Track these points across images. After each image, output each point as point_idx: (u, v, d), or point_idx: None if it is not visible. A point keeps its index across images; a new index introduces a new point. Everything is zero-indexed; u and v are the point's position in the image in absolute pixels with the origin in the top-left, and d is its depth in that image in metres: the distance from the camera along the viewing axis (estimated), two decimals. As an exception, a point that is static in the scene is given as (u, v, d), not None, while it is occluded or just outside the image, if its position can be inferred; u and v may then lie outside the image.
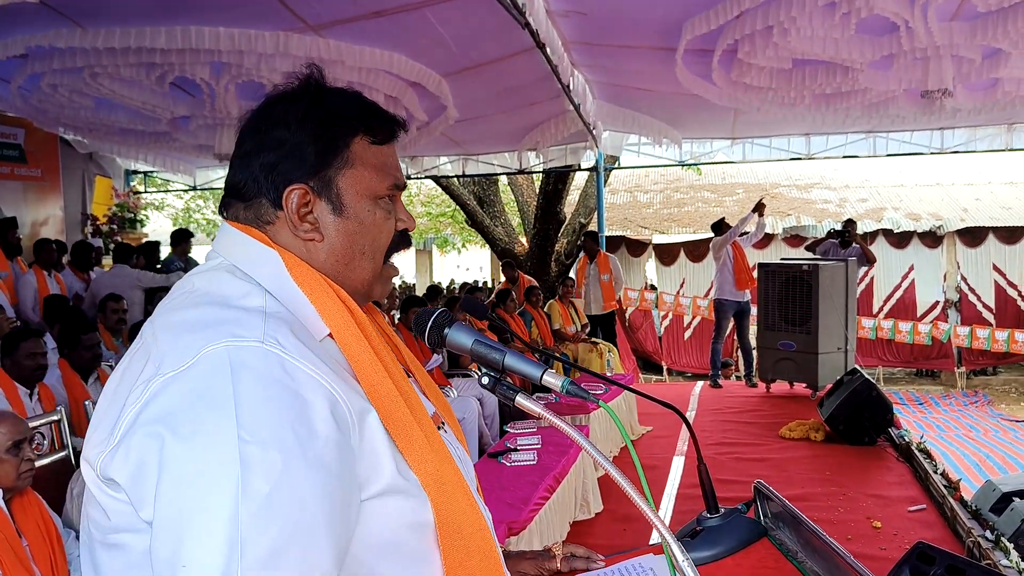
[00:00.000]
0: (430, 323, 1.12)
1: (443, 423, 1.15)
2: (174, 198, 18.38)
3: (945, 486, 4.88)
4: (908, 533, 4.37)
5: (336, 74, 6.35)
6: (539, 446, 4.57)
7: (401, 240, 1.13)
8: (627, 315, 13.75)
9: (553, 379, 1.07)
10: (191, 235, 8.86)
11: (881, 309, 13.88)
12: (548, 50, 6.24)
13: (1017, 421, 11.33)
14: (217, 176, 11.56)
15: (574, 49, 7.12)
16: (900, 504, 4.84)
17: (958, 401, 12.79)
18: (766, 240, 14.05)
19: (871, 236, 13.80)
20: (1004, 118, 8.77)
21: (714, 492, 1.44)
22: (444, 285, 15.47)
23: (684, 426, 6.69)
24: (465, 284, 12.34)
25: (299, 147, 1.05)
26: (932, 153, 9.92)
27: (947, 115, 8.00)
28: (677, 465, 5.81)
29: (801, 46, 6.05)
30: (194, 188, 12.02)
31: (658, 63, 7.12)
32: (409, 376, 1.14)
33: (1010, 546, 3.89)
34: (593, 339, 8.85)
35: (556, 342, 8.47)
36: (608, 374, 7.02)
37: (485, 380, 1.10)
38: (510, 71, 7.18)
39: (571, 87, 7.58)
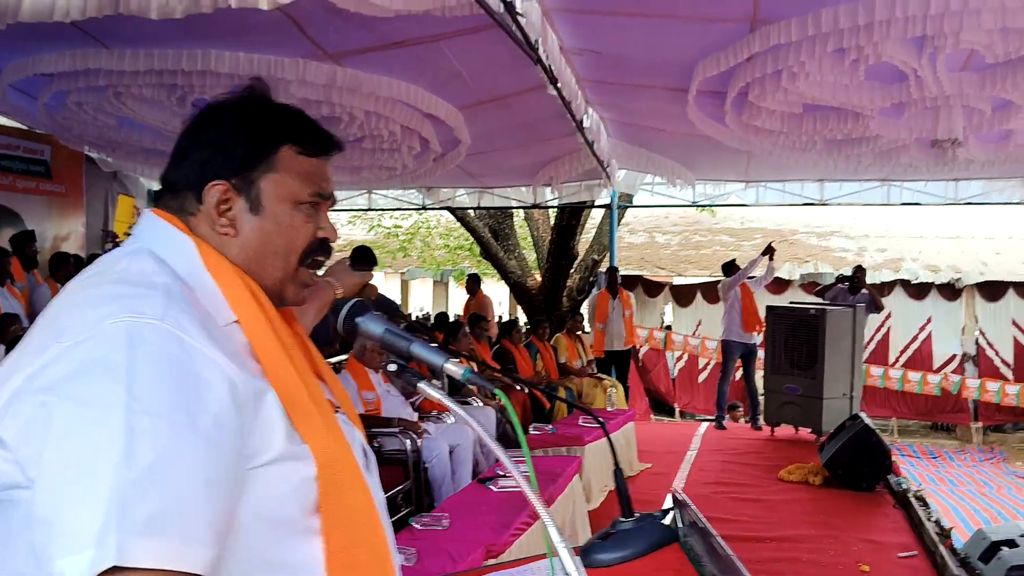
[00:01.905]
0: (344, 311, 1.18)
1: (338, 408, 1.20)
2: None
3: (937, 533, 4.85)
4: (896, 579, 4.35)
5: (352, 103, 6.50)
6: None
7: (320, 248, 1.19)
8: (640, 355, 13.73)
9: (455, 368, 1.13)
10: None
11: (897, 360, 13.76)
12: (560, 86, 6.34)
13: (1031, 479, 11.17)
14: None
15: (588, 87, 7.23)
16: (891, 550, 4.81)
17: (972, 456, 12.61)
18: (783, 286, 14.02)
19: (889, 286, 13.73)
20: (1019, 171, 8.76)
21: (628, 497, 1.47)
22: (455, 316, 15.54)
23: (681, 465, 6.67)
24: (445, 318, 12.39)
25: (229, 147, 1.13)
26: (947, 204, 9.90)
27: (960, 166, 8.00)
28: (670, 503, 5.78)
29: (811, 91, 6.11)
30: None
31: (671, 103, 7.20)
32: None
33: (994, 594, 3.86)
34: (599, 375, 8.86)
35: (561, 376, 8.49)
36: (609, 410, 7.02)
37: (392, 367, 1.15)
38: (525, 106, 7.29)
39: (585, 124, 7.67)
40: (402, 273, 19.04)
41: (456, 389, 6.67)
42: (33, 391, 0.92)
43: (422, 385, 1.13)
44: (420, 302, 20.93)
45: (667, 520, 1.45)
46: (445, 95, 7.03)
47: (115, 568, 0.83)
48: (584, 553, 1.39)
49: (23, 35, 5.61)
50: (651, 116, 7.96)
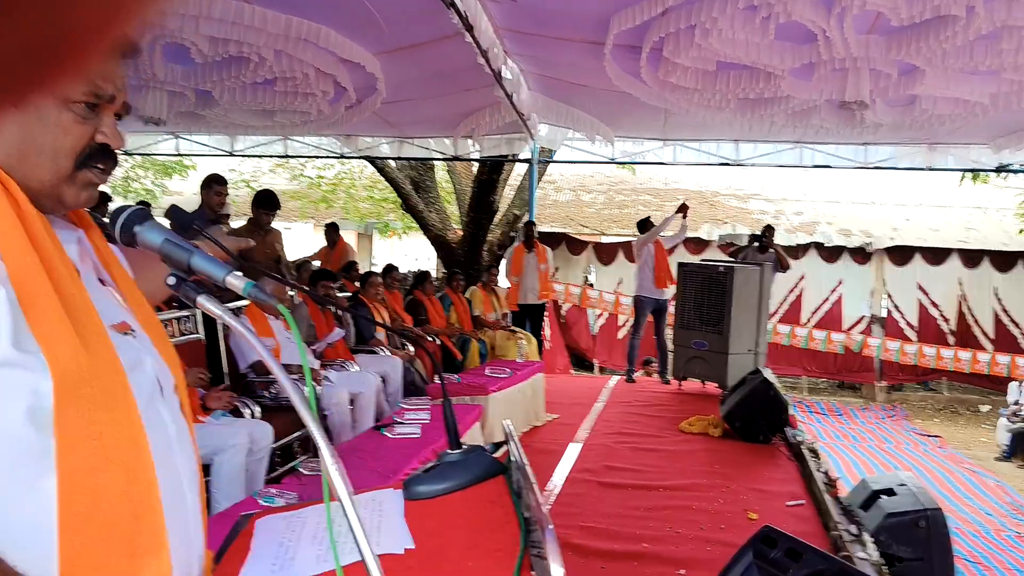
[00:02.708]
0: (123, 219, 1.12)
1: (132, 331, 1.15)
2: (113, 165, 17.97)
3: (825, 483, 5.02)
4: (781, 525, 4.45)
5: (259, 42, 6.29)
6: (428, 421, 4.58)
7: (99, 153, 1.11)
8: (563, 312, 13.84)
9: (236, 281, 1.08)
10: (109, 198, 8.72)
11: (809, 320, 14.15)
12: (477, 34, 6.24)
13: (929, 436, 11.66)
14: (152, 141, 11.36)
15: (506, 37, 7.13)
16: (780, 499, 4.96)
17: (876, 414, 13.11)
18: (702, 246, 14.25)
19: (803, 249, 14.07)
20: (924, 137, 9.01)
21: (456, 429, 1.46)
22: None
23: (587, 415, 6.75)
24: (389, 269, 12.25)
25: None
26: (857, 168, 10.14)
27: (869, 130, 8.18)
28: (573, 451, 5.88)
29: (723, 48, 6.14)
30: (127, 153, 11.78)
31: (589, 57, 7.16)
32: (104, 285, 1.17)
33: (869, 539, 4.02)
34: (512, 327, 8.90)
35: (475, 328, 8.50)
36: (519, 361, 7.06)
37: (171, 280, 1.09)
38: (443, 54, 7.16)
39: (504, 75, 7.59)
40: (325, 224, 18.74)
41: (361, 339, 6.62)
42: None
43: (201, 299, 1.07)
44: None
45: (498, 454, 1.44)
46: (359, 40, 6.85)
47: None
48: (406, 486, 1.38)
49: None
50: (570, 70, 7.91)
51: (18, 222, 1.00)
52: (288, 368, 4.96)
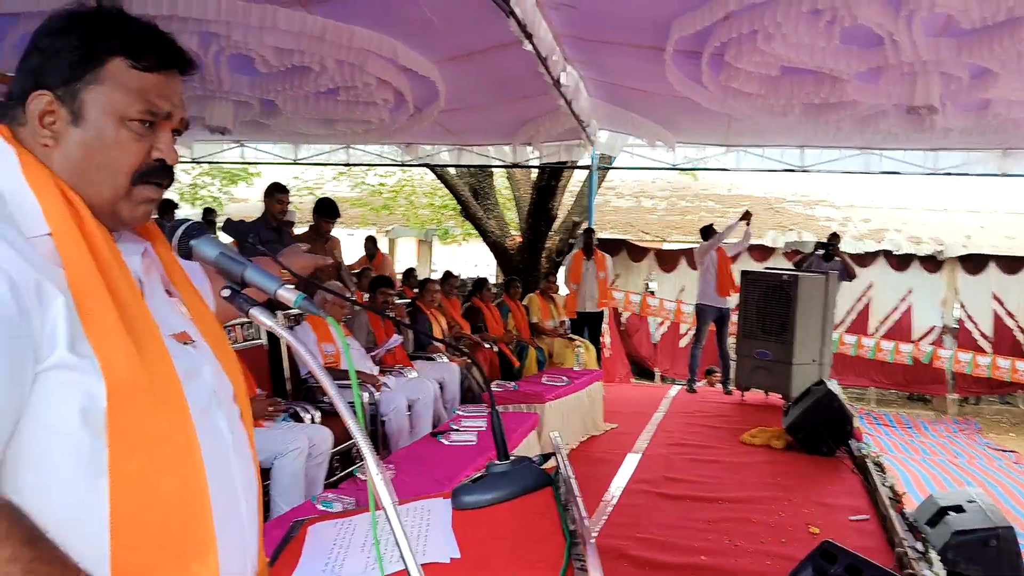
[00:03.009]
0: (180, 233, 1.15)
1: (192, 341, 1.19)
2: (182, 173, 18.48)
3: (890, 498, 4.87)
4: (844, 540, 4.35)
5: (323, 52, 6.40)
6: (484, 429, 4.58)
7: (157, 170, 1.15)
8: (623, 320, 13.75)
9: (288, 293, 1.09)
10: (176, 206, 8.96)
11: (877, 330, 13.80)
12: (535, 41, 6.24)
13: (1004, 451, 11.26)
14: (218, 149, 11.62)
15: (566, 43, 7.12)
16: (843, 513, 4.84)
17: (947, 427, 12.71)
18: (766, 253, 14.04)
19: (871, 257, 13.75)
20: (997, 142, 8.71)
21: (504, 440, 1.44)
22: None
23: (646, 428, 6.68)
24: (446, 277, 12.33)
25: (56, 56, 1.10)
26: (927, 174, 9.85)
27: (938, 135, 7.94)
28: (631, 461, 5.82)
29: (787, 53, 6.03)
30: (193, 161, 12.08)
31: (650, 62, 7.10)
32: (171, 296, 1.23)
33: (935, 557, 3.89)
34: (571, 335, 8.86)
35: (533, 335, 8.49)
36: (577, 369, 7.03)
37: (226, 292, 1.11)
38: (501, 62, 7.19)
39: (563, 82, 7.57)
40: (387, 231, 18.96)
41: (420, 345, 6.67)
42: None
43: (254, 311, 1.10)
44: (405, 261, 20.86)
45: (546, 465, 1.43)
46: (419, 48, 6.92)
47: None
48: (454, 495, 1.37)
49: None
50: (630, 75, 7.86)
51: (80, 236, 1.05)
52: (345, 374, 5.03)
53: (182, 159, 12.29)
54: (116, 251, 1.11)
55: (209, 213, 10.06)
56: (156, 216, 1.25)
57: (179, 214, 9.72)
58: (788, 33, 5.68)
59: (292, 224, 7.78)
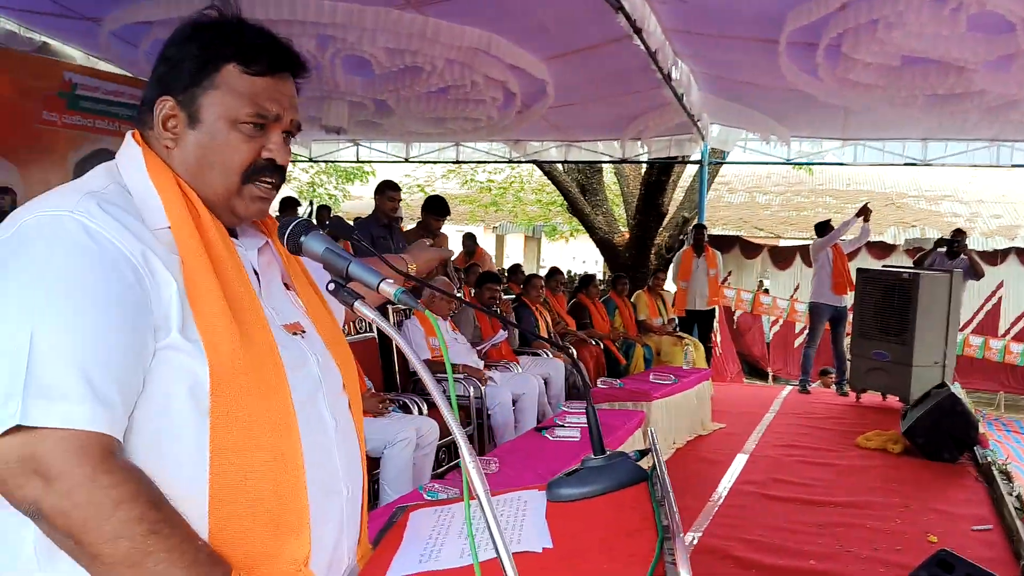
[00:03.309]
0: (289, 229, 1.21)
1: (303, 331, 1.27)
2: (300, 172, 19.17)
3: (1016, 508, 4.63)
4: (964, 550, 4.15)
5: (433, 52, 6.53)
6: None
7: (266, 168, 1.22)
8: (735, 317, 13.46)
9: (388, 287, 1.14)
10: (297, 203, 9.31)
11: (1008, 331, 13.05)
12: (645, 36, 6.19)
13: None
14: (334, 148, 11.98)
15: (675, 37, 7.03)
16: (965, 522, 4.62)
17: (1088, 436, 11.93)
18: (887, 251, 13.44)
19: (1002, 254, 13.00)
20: None
21: (600, 435, 1.46)
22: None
23: (753, 431, 6.54)
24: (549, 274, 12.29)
25: (179, 64, 1.19)
26: (1065, 167, 9.28)
27: (1077, 125, 7.47)
28: (739, 461, 5.72)
29: (909, 42, 5.79)
30: (311, 160, 12.50)
31: (762, 55, 6.95)
32: (289, 289, 1.32)
33: (1066, 572, 3.68)
34: (679, 333, 8.75)
35: (640, 332, 8.42)
36: (685, 368, 6.94)
37: (331, 286, 1.17)
38: (611, 57, 7.15)
39: (673, 76, 7.49)
40: (495, 228, 19.16)
41: (525, 341, 6.72)
42: None
43: (357, 305, 1.15)
44: (513, 257, 21.03)
45: (643, 461, 1.43)
46: (528, 45, 6.97)
47: (20, 428, 0.95)
48: (549, 487, 1.40)
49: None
50: (742, 69, 7.70)
51: (195, 229, 1.14)
52: (454, 368, 5.13)
53: (300, 158, 12.82)
54: (230, 244, 1.20)
55: (323, 210, 10.41)
56: (278, 213, 1.33)
57: (302, 210, 10.12)
58: (910, 21, 5.45)
59: (401, 220, 7.99)
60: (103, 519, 0.96)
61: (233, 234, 1.26)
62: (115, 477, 0.98)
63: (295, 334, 1.24)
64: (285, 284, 1.33)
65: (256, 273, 1.25)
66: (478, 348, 5.69)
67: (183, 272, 1.10)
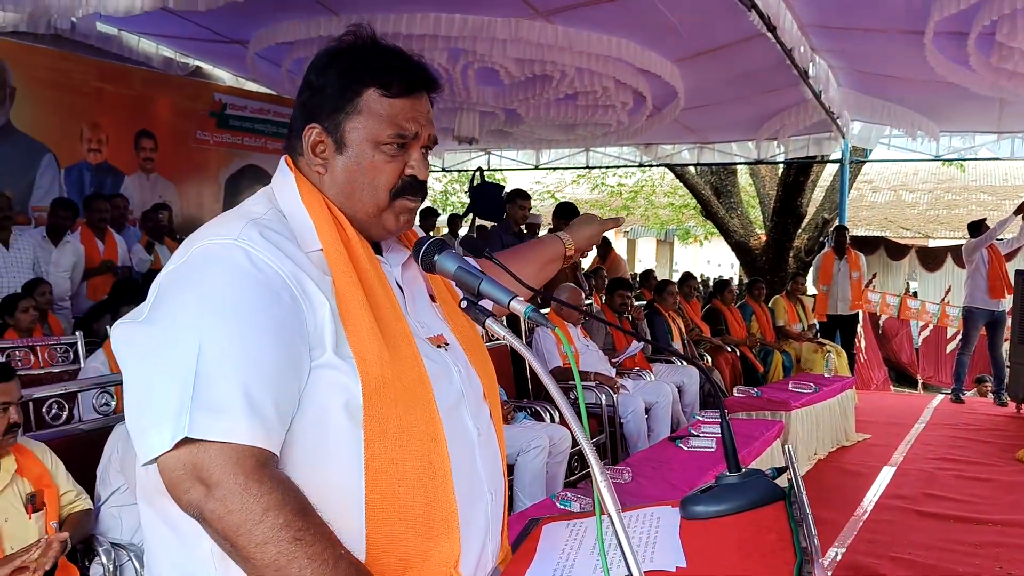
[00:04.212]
0: (424, 248, 1.24)
1: (447, 344, 1.31)
2: (434, 181, 19.63)
3: None
4: None
5: (563, 60, 6.56)
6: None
7: (410, 185, 1.27)
8: (881, 322, 12.86)
9: (519, 305, 1.15)
10: (437, 214, 9.55)
11: None
12: (780, 33, 6.01)
13: None
14: (466, 158, 12.22)
15: (812, 33, 6.79)
16: None
17: None
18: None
19: None
20: None
21: (735, 452, 1.41)
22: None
23: (901, 442, 6.22)
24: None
25: (322, 91, 1.26)
26: None
27: None
28: (886, 474, 5.45)
29: (1072, 26, 5.39)
30: (443, 170, 12.78)
31: (907, 47, 6.62)
32: (434, 301, 1.37)
33: None
34: (820, 340, 8.42)
35: (778, 339, 8.16)
36: (826, 376, 6.66)
37: (463, 304, 1.19)
38: (744, 56, 6.98)
39: (811, 73, 7.23)
40: (626, 232, 19.03)
41: (657, 350, 6.62)
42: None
43: (489, 322, 1.17)
44: (645, 261, 20.81)
45: (780, 478, 1.38)
46: (659, 48, 6.90)
47: (188, 440, 1.03)
48: (683, 505, 1.37)
49: (265, 7, 6.17)
50: (885, 62, 7.36)
51: (344, 251, 1.21)
52: (585, 375, 5.12)
53: (433, 168, 13.13)
54: (376, 262, 1.26)
55: (455, 220, 10.61)
56: (419, 224, 1.38)
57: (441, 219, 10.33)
58: (1073, 3, 5.07)
59: (538, 226, 8.04)
60: (253, 524, 1.02)
61: (378, 250, 1.32)
62: (265, 487, 1.04)
63: (439, 346, 1.29)
64: (431, 296, 1.38)
65: (400, 288, 1.31)
66: (613, 361, 5.66)
67: (335, 292, 1.17)
